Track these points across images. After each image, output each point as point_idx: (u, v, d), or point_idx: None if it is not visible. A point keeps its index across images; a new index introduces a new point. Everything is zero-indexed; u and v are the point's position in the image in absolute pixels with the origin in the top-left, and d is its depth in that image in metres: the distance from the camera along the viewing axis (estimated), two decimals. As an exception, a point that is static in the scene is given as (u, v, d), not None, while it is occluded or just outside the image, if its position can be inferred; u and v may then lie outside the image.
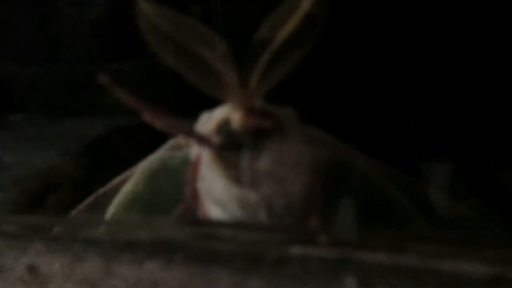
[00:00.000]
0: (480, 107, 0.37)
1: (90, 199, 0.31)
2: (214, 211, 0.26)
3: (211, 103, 0.26)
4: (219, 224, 0.26)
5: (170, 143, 0.29)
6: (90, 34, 0.51)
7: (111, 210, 0.30)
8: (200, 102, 0.26)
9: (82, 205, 0.31)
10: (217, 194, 0.25)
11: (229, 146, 0.24)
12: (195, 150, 0.27)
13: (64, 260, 0.23)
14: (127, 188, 0.30)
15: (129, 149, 0.44)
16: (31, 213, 0.35)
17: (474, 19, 0.37)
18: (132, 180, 0.30)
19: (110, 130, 0.48)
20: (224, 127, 0.24)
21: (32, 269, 0.23)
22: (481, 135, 0.37)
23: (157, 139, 0.29)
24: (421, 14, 0.37)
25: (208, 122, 0.25)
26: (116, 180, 0.30)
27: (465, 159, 0.34)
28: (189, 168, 0.27)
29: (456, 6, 0.37)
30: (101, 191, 0.31)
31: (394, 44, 0.37)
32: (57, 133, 0.51)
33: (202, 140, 0.24)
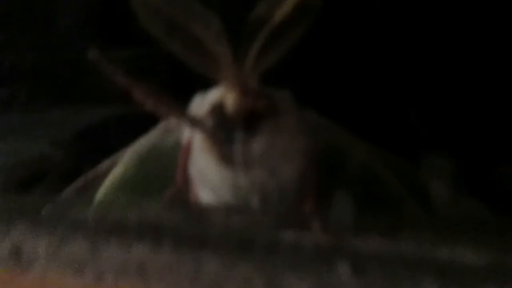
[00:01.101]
0: (482, 106, 0.37)
1: (79, 182, 0.30)
2: (205, 195, 0.26)
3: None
4: (209, 208, 0.25)
5: (161, 126, 0.28)
6: (85, 20, 0.50)
7: (100, 193, 0.29)
8: (195, 88, 0.25)
9: (71, 189, 0.30)
10: (209, 178, 0.25)
11: (222, 129, 0.24)
12: (186, 133, 0.26)
13: (49, 242, 0.22)
14: (117, 171, 0.29)
15: (121, 139, 0.43)
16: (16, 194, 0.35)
17: (478, 15, 0.37)
18: (122, 163, 0.29)
19: (102, 119, 0.48)
20: (217, 109, 0.24)
21: (16, 251, 0.22)
22: (481, 134, 0.36)
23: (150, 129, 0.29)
24: (427, 7, 0.37)
25: (202, 104, 0.25)
26: (105, 163, 0.30)
27: (465, 157, 0.34)
28: (180, 151, 0.26)
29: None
30: (90, 174, 0.30)
31: (398, 34, 0.37)
32: (50, 121, 0.51)
33: (195, 122, 0.24)
